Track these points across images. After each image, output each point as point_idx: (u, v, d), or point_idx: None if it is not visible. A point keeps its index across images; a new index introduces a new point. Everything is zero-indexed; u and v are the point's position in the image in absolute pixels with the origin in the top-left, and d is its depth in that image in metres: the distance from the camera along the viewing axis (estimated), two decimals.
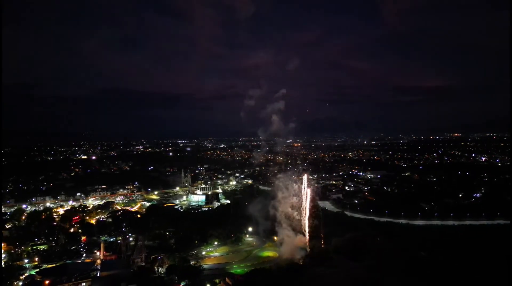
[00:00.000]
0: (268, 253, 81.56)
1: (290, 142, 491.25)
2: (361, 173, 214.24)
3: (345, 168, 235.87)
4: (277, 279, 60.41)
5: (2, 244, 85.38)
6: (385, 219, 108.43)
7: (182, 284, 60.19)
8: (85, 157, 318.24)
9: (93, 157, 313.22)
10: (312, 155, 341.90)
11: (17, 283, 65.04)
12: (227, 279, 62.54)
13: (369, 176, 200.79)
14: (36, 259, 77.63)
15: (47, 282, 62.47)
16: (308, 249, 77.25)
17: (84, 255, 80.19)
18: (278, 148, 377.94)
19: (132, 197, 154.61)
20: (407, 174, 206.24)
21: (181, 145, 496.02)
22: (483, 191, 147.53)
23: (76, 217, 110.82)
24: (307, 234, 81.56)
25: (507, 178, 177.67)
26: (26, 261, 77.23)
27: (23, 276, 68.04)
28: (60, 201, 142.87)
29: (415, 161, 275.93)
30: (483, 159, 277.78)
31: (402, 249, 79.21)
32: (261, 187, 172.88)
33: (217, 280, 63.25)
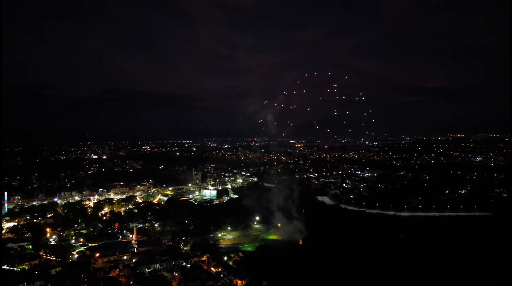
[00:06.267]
0: (273, 236, 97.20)
1: (293, 142, 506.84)
2: (359, 172, 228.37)
3: (345, 167, 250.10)
4: (279, 253, 76.14)
5: (49, 229, 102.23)
6: (375, 211, 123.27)
7: (205, 256, 75.73)
8: (96, 156, 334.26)
9: (104, 157, 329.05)
10: (314, 155, 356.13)
11: (72, 257, 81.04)
12: (240, 254, 78.40)
13: (366, 174, 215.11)
14: (81, 239, 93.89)
15: (96, 255, 78.37)
16: (306, 232, 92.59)
17: (120, 237, 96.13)
18: (282, 148, 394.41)
19: (150, 192, 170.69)
20: (402, 173, 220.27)
21: (186, 145, 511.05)
22: (468, 188, 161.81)
23: (105, 208, 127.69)
24: (303, 221, 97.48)
25: (494, 176, 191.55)
26: (73, 241, 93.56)
27: (75, 252, 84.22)
28: (86, 196, 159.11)
29: (412, 161, 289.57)
30: (478, 159, 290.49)
31: (386, 233, 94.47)
32: (265, 184, 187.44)
33: (232, 255, 78.78)
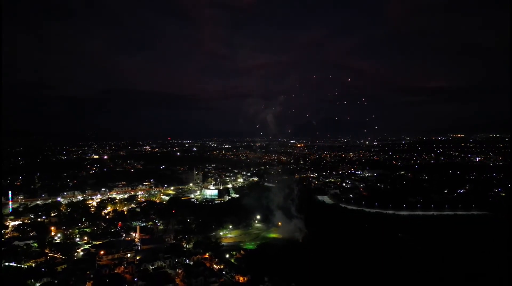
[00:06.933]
0: (274, 235, 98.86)
1: (293, 142, 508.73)
2: (359, 172, 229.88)
3: (345, 167, 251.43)
4: (280, 251, 77.80)
5: (53, 228, 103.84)
6: (374, 210, 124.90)
7: (207, 254, 77.33)
8: (97, 156, 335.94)
9: (105, 157, 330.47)
10: (314, 155, 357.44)
11: (77, 254, 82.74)
12: (241, 251, 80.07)
13: (366, 174, 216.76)
14: (85, 238, 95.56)
15: (101, 252, 79.94)
16: (306, 231, 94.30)
17: (124, 235, 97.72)
18: (282, 148, 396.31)
19: (151, 192, 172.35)
20: (401, 173, 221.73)
21: (187, 145, 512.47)
22: (467, 187, 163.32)
23: (108, 207, 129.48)
24: (303, 220, 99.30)
25: (493, 176, 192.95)
26: (77, 239, 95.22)
27: (80, 249, 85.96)
28: (88, 195, 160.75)
29: (412, 161, 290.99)
30: (478, 159, 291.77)
31: (385, 232, 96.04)
32: (266, 184, 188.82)
33: (234, 252, 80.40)
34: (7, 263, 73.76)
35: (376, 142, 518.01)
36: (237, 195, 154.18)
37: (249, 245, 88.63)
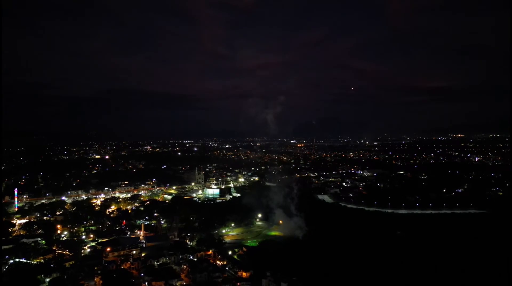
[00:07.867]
0: (275, 233, 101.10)
1: (294, 142, 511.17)
2: (358, 172, 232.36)
3: (345, 167, 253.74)
4: (281, 247, 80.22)
5: (59, 226, 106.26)
6: (373, 209, 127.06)
7: (211, 250, 79.75)
8: (99, 156, 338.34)
9: (106, 157, 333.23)
10: (314, 155, 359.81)
11: (84, 251, 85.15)
12: (244, 248, 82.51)
13: (365, 174, 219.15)
14: (91, 235, 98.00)
15: (108, 249, 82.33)
16: (306, 228, 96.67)
17: (128, 233, 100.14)
18: (282, 148, 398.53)
19: (154, 191, 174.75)
20: (401, 172, 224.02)
21: (187, 145, 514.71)
22: (465, 186, 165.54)
23: (112, 206, 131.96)
24: (303, 218, 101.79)
25: (492, 176, 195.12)
26: (83, 237, 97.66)
27: (87, 246, 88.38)
28: (92, 194, 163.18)
29: (411, 161, 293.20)
30: (477, 159, 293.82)
31: (383, 229, 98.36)
32: (267, 183, 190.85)
33: (236, 249, 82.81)
34: (17, 259, 76.07)
35: (376, 142, 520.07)
36: (239, 194, 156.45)
37: (251, 242, 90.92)
